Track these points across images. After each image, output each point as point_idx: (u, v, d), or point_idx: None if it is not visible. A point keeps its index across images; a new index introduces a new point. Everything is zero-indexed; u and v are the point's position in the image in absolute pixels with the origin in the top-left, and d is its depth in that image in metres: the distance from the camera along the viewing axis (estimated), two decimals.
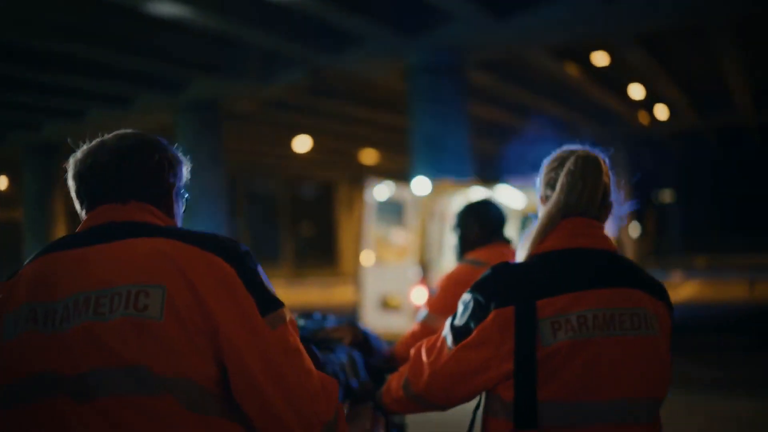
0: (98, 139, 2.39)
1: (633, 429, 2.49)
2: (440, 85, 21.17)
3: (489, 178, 13.12)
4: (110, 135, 2.40)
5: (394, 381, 2.93)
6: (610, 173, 2.78)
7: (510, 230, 4.84)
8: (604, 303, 2.52)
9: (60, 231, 34.33)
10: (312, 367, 2.20)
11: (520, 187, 13.65)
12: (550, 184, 2.77)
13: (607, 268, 2.63)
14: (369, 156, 45.32)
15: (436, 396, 2.70)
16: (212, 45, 22.82)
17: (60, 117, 29.45)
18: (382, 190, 13.33)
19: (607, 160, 2.79)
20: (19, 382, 2.02)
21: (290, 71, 24.03)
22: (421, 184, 12.96)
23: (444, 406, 2.75)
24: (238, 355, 2.04)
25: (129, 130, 2.42)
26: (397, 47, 21.07)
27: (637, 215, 47.16)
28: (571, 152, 2.78)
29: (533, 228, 2.72)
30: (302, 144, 37.43)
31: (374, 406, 3.18)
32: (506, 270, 2.64)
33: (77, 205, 2.36)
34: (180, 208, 2.46)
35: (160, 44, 22.08)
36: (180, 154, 2.49)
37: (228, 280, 2.10)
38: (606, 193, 2.74)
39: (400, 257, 13.45)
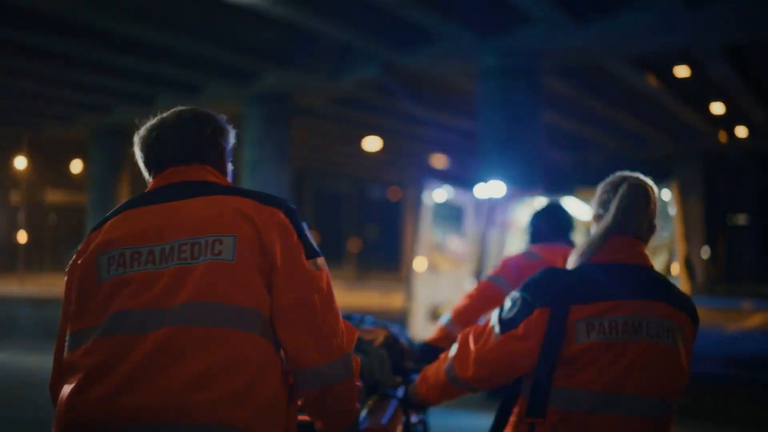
0: (158, 116, 2.77)
1: (644, 422, 2.86)
2: (513, 89, 20.67)
3: (557, 189, 12.42)
4: (168, 112, 2.77)
5: (431, 370, 3.37)
6: (656, 200, 3.16)
7: (575, 239, 5.32)
8: (634, 312, 2.90)
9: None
10: (338, 309, 2.60)
11: (588, 200, 13.07)
12: (604, 206, 3.14)
13: (642, 282, 3.01)
14: (439, 160, 44.93)
15: (480, 378, 3.09)
16: (285, 36, 22.58)
17: (131, 101, 29.52)
18: (440, 193, 12.61)
19: (655, 188, 3.18)
20: (111, 318, 2.38)
21: (362, 67, 23.73)
22: (483, 189, 12.32)
23: (482, 389, 3.20)
24: (283, 285, 2.46)
25: (184, 106, 2.80)
26: (472, 47, 20.59)
27: (708, 238, 46.12)
28: (624, 178, 3.15)
29: (586, 241, 3.11)
30: (372, 144, 37.17)
31: (399, 402, 3.68)
32: (553, 274, 3.05)
33: (145, 173, 2.73)
34: (230, 168, 2.82)
35: (233, 33, 21.92)
36: (226, 122, 2.83)
37: (285, 227, 2.50)
38: (651, 218, 3.12)
39: (456, 266, 12.84)
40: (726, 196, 54.43)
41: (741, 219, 61.18)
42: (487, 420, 3.55)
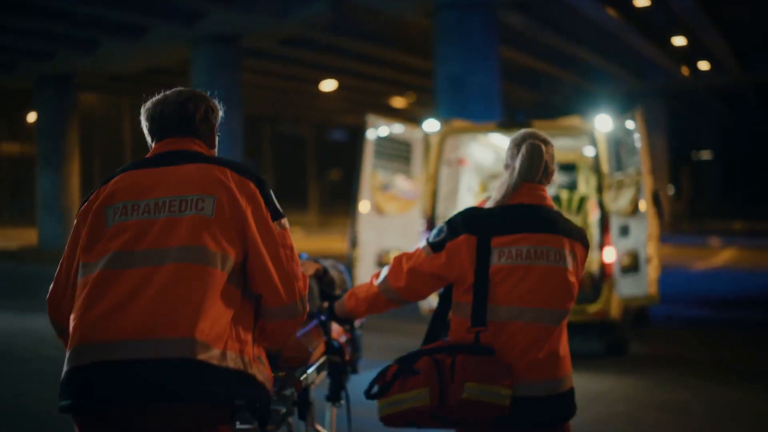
0: (162, 94, 3.32)
1: (544, 328, 3.63)
2: (468, 23, 19.78)
3: (511, 123, 11.44)
4: (171, 91, 3.32)
5: (361, 287, 4.09)
6: (551, 150, 3.86)
7: None
8: (535, 242, 3.66)
9: (74, 162, 33.56)
10: (298, 259, 3.23)
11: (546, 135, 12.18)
12: (512, 159, 3.85)
13: (543, 218, 3.74)
14: (400, 102, 44.18)
15: (410, 287, 3.82)
16: None
17: (73, 46, 28.35)
18: (384, 128, 11.46)
19: (550, 142, 3.88)
20: (113, 255, 2.97)
21: (310, 4, 22.81)
22: (432, 125, 11.23)
23: (408, 299, 3.91)
24: (255, 243, 3.07)
25: (184, 88, 3.37)
26: None
27: (672, 175, 45.79)
28: (525, 137, 3.86)
29: (499, 186, 3.81)
30: (328, 86, 36.39)
31: (319, 321, 4.45)
32: (477, 211, 3.81)
33: (148, 138, 3.32)
34: (216, 141, 3.42)
35: None
36: (217, 102, 3.41)
37: (254, 195, 3.11)
38: (548, 166, 3.82)
39: (405, 208, 11.68)
40: (689, 132, 54.17)
41: (704, 155, 61.04)
42: None
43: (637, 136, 9.74)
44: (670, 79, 37.32)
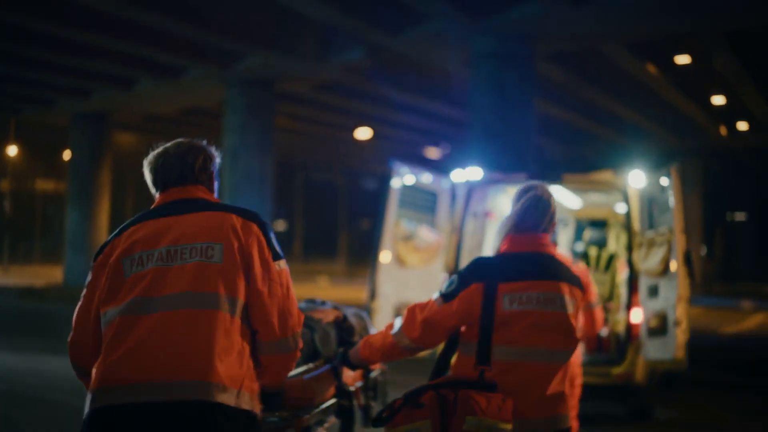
0: (162, 147, 3.62)
1: (552, 367, 3.96)
2: (505, 74, 19.58)
3: (542, 176, 11.17)
4: (170, 143, 3.63)
5: (376, 336, 4.27)
6: (554, 202, 4.19)
7: (564, 233, 5.28)
8: (543, 289, 3.99)
9: (104, 201, 33.68)
10: (294, 297, 3.51)
11: (577, 190, 11.89)
12: (514, 207, 4.18)
13: (548, 266, 4.07)
14: (434, 152, 44.06)
15: (424, 338, 4.05)
16: (269, 17, 21.67)
17: (110, 85, 28.53)
18: (410, 177, 10.97)
19: (553, 195, 4.22)
20: (132, 301, 3.21)
21: (348, 50, 22.81)
22: (460, 174, 10.83)
23: (423, 347, 4.11)
24: (255, 281, 3.33)
25: (183, 139, 3.67)
26: (463, 29, 19.52)
27: (706, 235, 45.18)
28: (527, 190, 4.17)
29: (498, 233, 4.18)
30: (363, 133, 36.44)
31: (331, 366, 4.70)
32: (484, 260, 4.14)
33: (152, 189, 3.60)
34: (216, 185, 3.68)
35: (216, 13, 20.99)
36: (214, 150, 3.70)
37: (259, 237, 3.40)
38: (552, 217, 4.16)
39: (427, 261, 11.22)
40: (725, 192, 53.55)
41: (739, 216, 60.31)
42: None
43: (671, 193, 9.43)
44: (707, 138, 36.98)
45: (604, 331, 10.90)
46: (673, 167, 9.43)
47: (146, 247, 3.30)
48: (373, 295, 10.23)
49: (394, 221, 10.63)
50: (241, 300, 3.29)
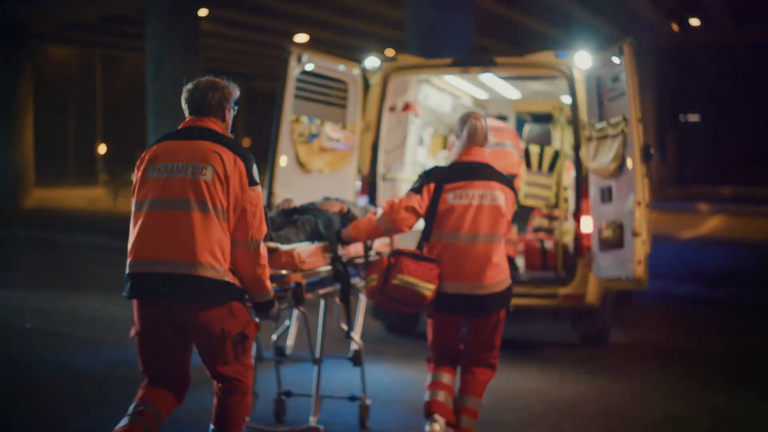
0: (195, 81, 4.71)
1: (481, 246, 5.48)
2: None
3: (470, 61, 9.39)
4: (202, 79, 4.73)
5: (363, 220, 5.82)
6: (486, 123, 5.73)
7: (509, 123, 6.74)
8: (479, 187, 5.52)
9: (28, 116, 31.92)
10: (263, 214, 4.64)
11: (515, 77, 10.21)
12: (460, 130, 5.70)
13: (484, 171, 5.61)
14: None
15: (402, 220, 5.58)
16: None
17: None
18: (311, 64, 8.93)
19: (487, 116, 6.28)
20: (151, 200, 4.46)
21: None
22: (373, 61, 9.17)
23: (399, 230, 5.68)
24: (237, 197, 4.48)
25: (210, 78, 4.77)
26: None
27: (658, 138, 44.09)
28: (468, 115, 5.73)
29: (454, 150, 5.72)
30: (301, 39, 34.97)
31: (329, 243, 5.78)
32: (437, 168, 5.73)
33: (185, 111, 4.73)
34: (231, 118, 4.80)
35: None
36: (234, 87, 4.81)
37: (240, 168, 4.50)
38: (485, 134, 5.71)
39: (336, 164, 9.41)
40: (677, 94, 52.51)
41: (692, 118, 59.50)
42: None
43: (624, 76, 7.73)
44: (659, 36, 35.76)
45: (549, 244, 9.33)
46: (626, 44, 7.70)
47: (164, 161, 4.49)
48: (269, 205, 8.30)
49: (293, 118, 8.81)
50: (220, 208, 4.43)
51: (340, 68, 9.21)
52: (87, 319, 10.59)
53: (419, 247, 5.64)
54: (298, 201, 8.36)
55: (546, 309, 8.88)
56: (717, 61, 46.58)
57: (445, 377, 5.64)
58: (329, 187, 8.52)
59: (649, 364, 8.64)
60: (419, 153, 10.81)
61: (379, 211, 5.65)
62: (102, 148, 55.58)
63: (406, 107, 10.02)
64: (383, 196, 8.99)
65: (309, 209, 5.99)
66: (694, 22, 33.81)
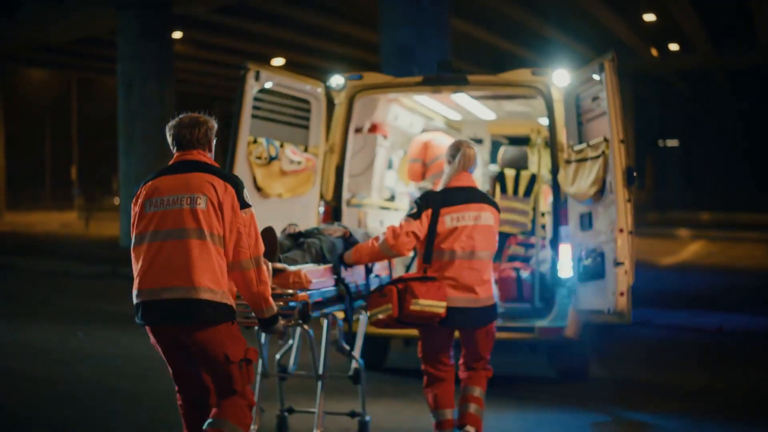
0: (178, 118, 5.02)
1: (476, 262, 6.05)
2: None
3: (440, 79, 8.80)
4: (184, 116, 5.05)
5: (364, 245, 6.24)
6: (474, 151, 6.28)
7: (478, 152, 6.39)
8: (473, 210, 6.08)
9: None
10: (258, 234, 4.95)
11: (489, 97, 9.77)
12: (453, 157, 6.21)
13: (475, 195, 6.21)
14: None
15: (400, 245, 6.05)
16: None
17: None
18: (269, 76, 8.47)
19: (477, 151, 6.39)
20: (150, 232, 4.76)
21: None
22: (338, 79, 8.74)
23: (399, 254, 6.20)
24: (230, 221, 4.77)
25: (192, 114, 5.07)
26: None
27: (636, 163, 44.04)
28: (461, 143, 6.30)
29: (445, 175, 6.26)
30: (277, 62, 34.77)
31: (333, 266, 6.15)
32: (432, 193, 6.32)
33: (172, 147, 5.02)
34: (213, 145, 5.05)
35: None
36: (213, 120, 5.07)
37: (231, 194, 4.80)
38: (474, 160, 6.27)
39: (297, 190, 8.90)
40: (655, 118, 52.53)
41: (671, 143, 59.61)
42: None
43: (604, 95, 7.26)
44: (638, 61, 35.82)
45: (525, 274, 8.84)
46: (607, 60, 7.24)
47: (160, 195, 4.83)
48: None
49: (250, 139, 8.27)
50: (216, 234, 4.77)
51: (302, 87, 8.71)
52: (37, 352, 10.06)
53: (409, 268, 6.75)
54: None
55: (522, 342, 8.45)
56: (695, 86, 46.65)
57: (448, 413, 6.20)
58: (290, 214, 7.92)
59: (631, 401, 8.16)
60: (388, 177, 10.33)
61: (381, 237, 6.09)
62: (75, 172, 55.19)
63: (373, 128, 9.52)
64: (348, 223, 8.33)
65: (313, 233, 6.39)
66: (673, 47, 33.84)
